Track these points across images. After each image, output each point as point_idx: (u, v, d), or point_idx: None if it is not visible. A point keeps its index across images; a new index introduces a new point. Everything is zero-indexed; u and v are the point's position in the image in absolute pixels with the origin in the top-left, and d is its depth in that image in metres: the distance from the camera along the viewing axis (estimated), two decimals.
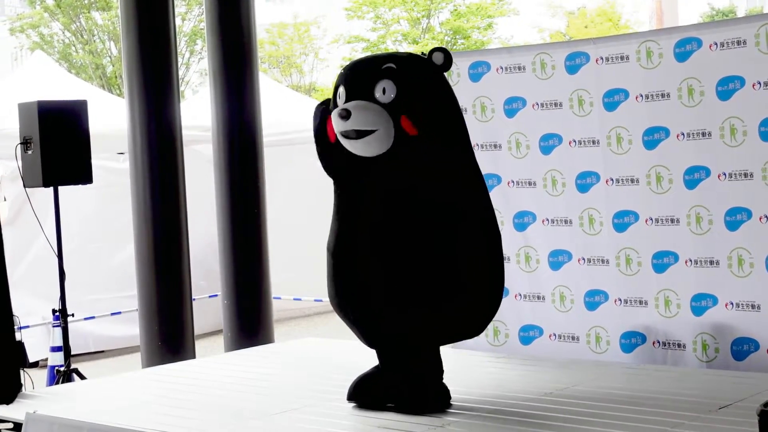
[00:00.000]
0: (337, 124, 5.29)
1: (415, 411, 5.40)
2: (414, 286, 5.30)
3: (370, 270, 5.38)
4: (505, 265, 7.14)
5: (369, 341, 5.58)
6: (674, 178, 6.57)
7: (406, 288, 5.31)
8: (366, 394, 5.59)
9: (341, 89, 5.37)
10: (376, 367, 5.64)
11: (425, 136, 5.26)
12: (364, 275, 5.40)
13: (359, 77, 5.34)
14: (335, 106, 5.37)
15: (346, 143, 5.32)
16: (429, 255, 5.28)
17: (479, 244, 5.40)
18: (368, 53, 5.19)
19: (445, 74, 7.51)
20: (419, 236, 5.29)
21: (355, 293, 5.45)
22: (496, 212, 7.27)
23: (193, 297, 8.90)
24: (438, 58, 5.32)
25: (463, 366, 5.75)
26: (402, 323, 5.37)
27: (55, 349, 8.96)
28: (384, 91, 5.21)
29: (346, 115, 5.21)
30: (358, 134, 5.24)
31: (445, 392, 5.55)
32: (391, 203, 5.35)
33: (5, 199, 10.39)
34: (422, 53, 5.47)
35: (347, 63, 5.70)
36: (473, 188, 5.48)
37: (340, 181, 5.56)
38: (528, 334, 7.28)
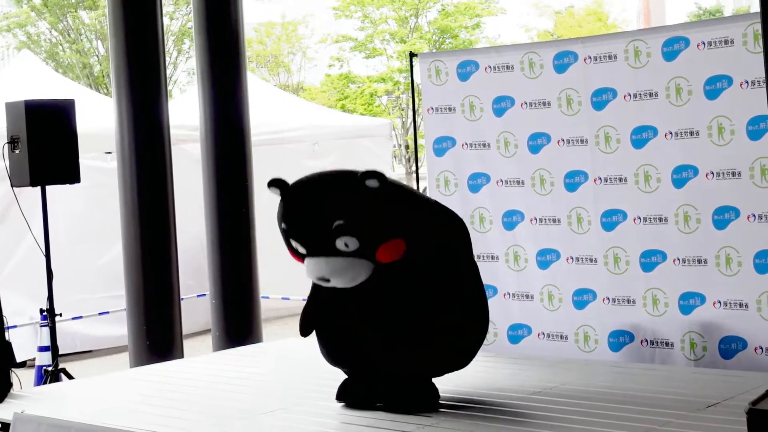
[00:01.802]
0: (315, 280, 5.36)
1: (404, 410, 5.40)
2: (403, 330, 5.34)
3: (362, 325, 5.43)
4: (494, 264, 7.20)
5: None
6: (662, 177, 6.58)
7: (397, 333, 5.35)
8: (355, 393, 5.59)
9: (295, 243, 5.33)
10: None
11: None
12: (357, 330, 5.44)
13: (313, 237, 5.28)
14: (290, 245, 5.37)
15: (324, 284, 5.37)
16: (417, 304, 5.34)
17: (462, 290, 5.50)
18: (306, 178, 5.04)
19: (435, 73, 7.53)
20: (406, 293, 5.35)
21: (348, 350, 5.52)
22: (485, 211, 7.32)
23: (181, 296, 8.88)
24: (372, 184, 5.15)
25: None
26: (394, 363, 5.43)
27: (42, 349, 8.95)
28: (346, 245, 5.17)
29: (327, 281, 5.27)
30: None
31: (434, 391, 5.56)
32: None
33: None
34: (358, 173, 5.24)
35: (281, 209, 5.52)
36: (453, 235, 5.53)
37: None
38: (516, 333, 7.28)
